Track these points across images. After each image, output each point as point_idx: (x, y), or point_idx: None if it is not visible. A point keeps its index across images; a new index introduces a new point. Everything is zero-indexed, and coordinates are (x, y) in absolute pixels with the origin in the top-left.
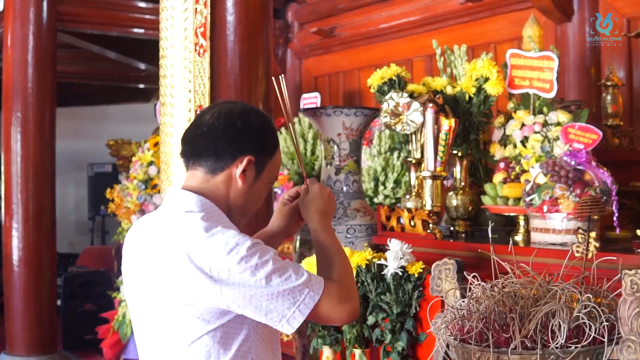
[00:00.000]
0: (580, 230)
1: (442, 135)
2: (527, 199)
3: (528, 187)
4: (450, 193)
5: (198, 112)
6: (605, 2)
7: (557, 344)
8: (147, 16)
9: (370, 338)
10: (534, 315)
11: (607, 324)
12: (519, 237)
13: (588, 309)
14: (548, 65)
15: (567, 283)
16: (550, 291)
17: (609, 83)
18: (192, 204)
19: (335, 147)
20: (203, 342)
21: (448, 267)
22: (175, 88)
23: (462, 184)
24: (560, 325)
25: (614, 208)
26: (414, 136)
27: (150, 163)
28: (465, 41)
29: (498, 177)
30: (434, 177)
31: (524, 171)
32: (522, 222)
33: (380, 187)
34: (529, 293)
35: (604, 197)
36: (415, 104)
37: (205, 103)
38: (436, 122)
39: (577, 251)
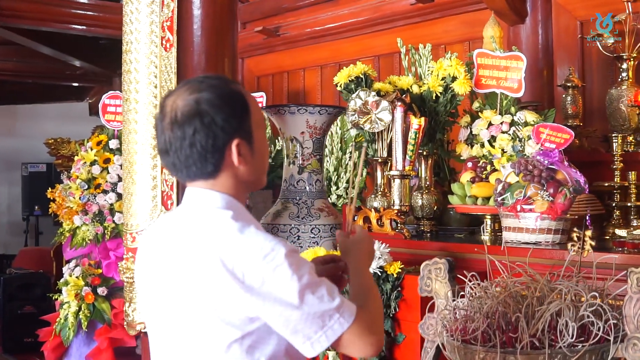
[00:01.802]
0: (575, 229)
1: (411, 134)
2: (499, 199)
3: (500, 187)
4: (416, 192)
5: (155, 125)
6: (559, 5)
7: (564, 342)
8: (88, 12)
9: None
10: (541, 314)
11: (614, 322)
12: (486, 237)
13: (594, 308)
14: (516, 65)
15: (571, 282)
16: (554, 290)
17: (569, 84)
18: (218, 201)
19: (298, 146)
20: (232, 351)
21: (439, 266)
22: (140, 83)
23: (428, 183)
24: (567, 324)
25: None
26: (380, 135)
27: (94, 162)
28: (414, 42)
29: (466, 177)
30: (402, 176)
31: (493, 170)
32: (489, 222)
33: (333, 187)
34: (532, 292)
35: (577, 197)
36: (384, 103)
37: None
38: (404, 120)
39: (573, 250)
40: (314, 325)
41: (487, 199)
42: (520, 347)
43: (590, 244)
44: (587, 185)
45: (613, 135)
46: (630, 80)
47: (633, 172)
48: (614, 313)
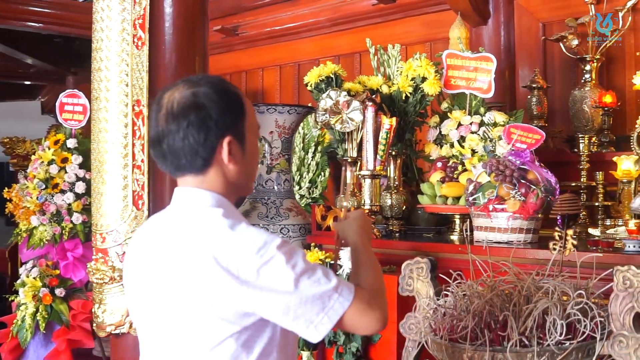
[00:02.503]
0: (556, 229)
1: (382, 134)
2: (471, 198)
3: (471, 187)
4: (385, 192)
5: (150, 116)
6: (521, 7)
7: (553, 340)
8: (45, 10)
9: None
10: (528, 313)
11: (601, 319)
12: (454, 236)
13: (580, 306)
14: (486, 66)
15: (558, 280)
16: (540, 289)
17: (534, 85)
18: (208, 199)
19: (267, 146)
20: (226, 345)
21: (420, 266)
22: (111, 82)
23: (396, 183)
24: (555, 322)
25: None
26: (350, 135)
27: (51, 162)
28: (375, 42)
29: (436, 177)
30: (373, 176)
31: (463, 170)
32: (457, 221)
33: (296, 187)
34: (519, 291)
35: (549, 196)
36: (355, 103)
37: (143, 98)
38: (375, 120)
39: (555, 249)
40: (314, 308)
41: (457, 198)
42: (510, 345)
43: (572, 243)
44: (558, 186)
45: (579, 135)
46: (594, 81)
47: (600, 172)
48: (599, 311)
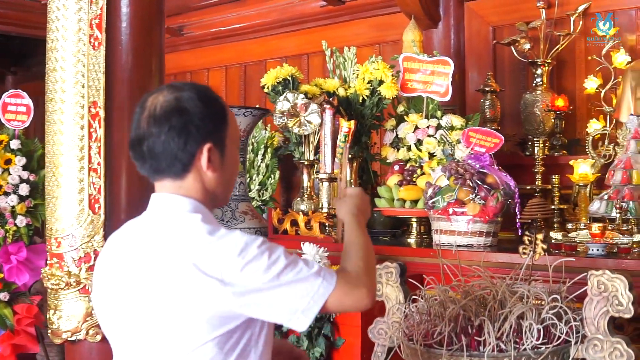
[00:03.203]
0: (527, 233)
1: (340, 137)
2: (430, 202)
3: (430, 190)
4: (336, 195)
5: (133, 118)
6: (472, 10)
7: (530, 344)
8: None
9: None
10: (504, 317)
11: (576, 324)
12: (412, 239)
13: (555, 310)
14: (444, 69)
15: (532, 285)
16: (515, 293)
17: (487, 89)
18: (186, 205)
19: None
20: (206, 348)
21: (390, 270)
22: (66, 83)
23: (353, 186)
24: (531, 327)
25: (517, 210)
26: (307, 138)
27: None
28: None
29: (393, 180)
30: (331, 179)
31: (421, 174)
32: (414, 225)
33: None
34: (494, 296)
35: (508, 200)
36: (313, 106)
37: (100, 99)
38: (333, 123)
39: (524, 253)
40: (299, 293)
41: (415, 201)
42: (489, 349)
43: (542, 248)
44: (517, 189)
45: (535, 139)
46: (545, 85)
47: (556, 175)
48: (574, 315)
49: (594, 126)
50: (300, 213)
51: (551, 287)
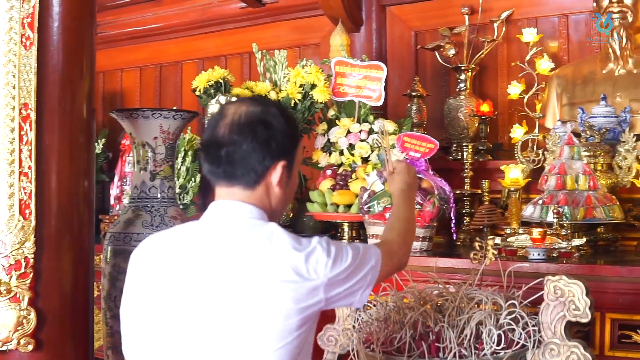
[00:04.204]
0: (477, 239)
1: None
2: (365, 207)
3: (365, 195)
4: None
5: (208, 124)
6: (394, 15)
7: (490, 350)
8: None
9: None
10: (463, 323)
11: (534, 328)
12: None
13: (513, 315)
14: (377, 74)
15: (489, 291)
16: (473, 299)
17: (414, 93)
18: (260, 215)
19: (150, 152)
20: (286, 348)
21: None
22: None
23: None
24: (490, 332)
25: (452, 215)
26: None
27: None
28: (243, 46)
29: (325, 184)
30: None
31: (355, 178)
32: (346, 229)
33: None
34: (452, 302)
35: (444, 204)
36: None
37: (31, 100)
38: None
39: (475, 259)
40: (364, 277)
41: (348, 206)
42: (450, 355)
43: (493, 253)
44: (452, 194)
45: (464, 144)
46: (468, 90)
47: (486, 180)
48: (530, 320)
49: (518, 131)
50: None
51: (506, 293)
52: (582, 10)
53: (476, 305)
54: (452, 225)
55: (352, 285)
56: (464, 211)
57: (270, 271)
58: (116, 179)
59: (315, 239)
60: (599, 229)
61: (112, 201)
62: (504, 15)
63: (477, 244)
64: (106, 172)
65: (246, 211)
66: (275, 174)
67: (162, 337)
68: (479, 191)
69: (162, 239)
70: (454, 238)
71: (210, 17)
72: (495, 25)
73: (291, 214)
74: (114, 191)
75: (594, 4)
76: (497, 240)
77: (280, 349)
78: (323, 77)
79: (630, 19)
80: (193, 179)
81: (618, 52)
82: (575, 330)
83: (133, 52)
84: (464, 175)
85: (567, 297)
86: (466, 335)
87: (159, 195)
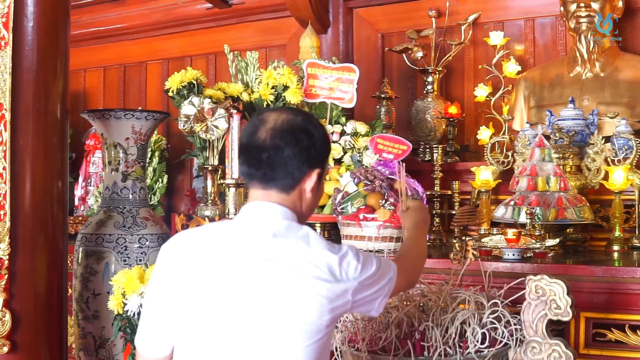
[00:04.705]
0: (456, 239)
1: None
2: (339, 208)
3: (339, 196)
4: (244, 201)
5: (246, 128)
6: (361, 17)
7: (474, 348)
8: None
9: None
10: (446, 323)
11: (517, 327)
12: None
13: (496, 314)
14: (349, 76)
15: (472, 291)
16: (456, 299)
17: (383, 95)
18: (295, 217)
19: (122, 152)
20: (310, 351)
21: None
22: None
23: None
24: (475, 331)
25: None
26: (211, 143)
27: None
28: (208, 47)
29: None
30: (238, 185)
31: (328, 179)
32: (318, 229)
33: None
34: (436, 302)
35: None
36: (221, 110)
37: (6, 101)
38: (240, 128)
39: (455, 259)
40: (382, 288)
41: (321, 207)
42: (436, 354)
43: (473, 253)
44: (425, 195)
45: (434, 146)
46: (436, 92)
47: (456, 181)
48: (511, 319)
49: (485, 133)
50: (206, 219)
51: (488, 292)
52: (548, 14)
53: (461, 305)
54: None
55: (374, 293)
56: (434, 212)
57: (309, 269)
58: (80, 179)
59: (344, 245)
60: (568, 230)
61: (76, 202)
62: (471, 18)
63: (456, 244)
64: (70, 172)
65: (282, 213)
66: (310, 181)
67: (198, 331)
68: (449, 192)
69: (197, 236)
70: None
71: (175, 18)
72: (463, 28)
73: None
74: (78, 192)
75: (562, 8)
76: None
77: (309, 346)
78: (296, 78)
79: (597, 23)
80: (160, 179)
81: (585, 56)
82: (551, 329)
83: (97, 52)
84: (434, 176)
85: (548, 296)
86: (451, 335)
87: (130, 196)
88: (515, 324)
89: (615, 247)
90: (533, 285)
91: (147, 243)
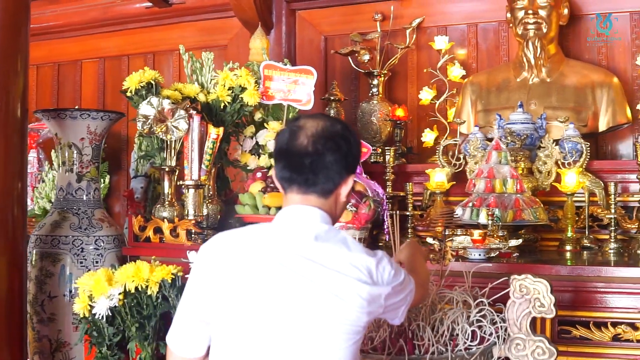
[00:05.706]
0: (435, 241)
1: (208, 144)
2: None
3: None
4: (203, 202)
5: (282, 133)
6: (303, 19)
7: (464, 345)
8: None
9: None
10: (435, 322)
11: (503, 325)
12: None
13: (482, 313)
14: (307, 78)
15: (458, 291)
16: (444, 299)
17: (332, 97)
18: (330, 222)
19: (77, 153)
20: (350, 351)
21: None
22: None
23: (211, 192)
24: (464, 329)
25: (385, 217)
26: (169, 143)
27: None
28: (147, 46)
29: (256, 187)
30: (197, 186)
31: None
32: None
33: None
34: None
35: (378, 207)
36: (181, 111)
37: None
38: (200, 129)
39: (434, 260)
40: (405, 298)
41: (279, 208)
42: (430, 353)
43: (452, 254)
44: (385, 197)
45: (386, 148)
46: (381, 95)
47: (410, 183)
48: (495, 317)
49: (429, 135)
50: (165, 220)
51: (471, 292)
52: (490, 20)
53: (450, 305)
54: (385, 226)
55: (400, 300)
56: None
57: (350, 271)
58: None
59: (378, 250)
60: (521, 231)
61: None
62: (415, 22)
63: (435, 245)
64: None
65: (322, 216)
66: (346, 187)
67: (240, 332)
68: (402, 194)
69: (237, 238)
70: (387, 239)
71: (113, 16)
72: (407, 32)
73: (219, 216)
74: None
75: (508, 15)
76: (431, 240)
77: (351, 347)
78: (253, 80)
79: (544, 30)
80: (102, 180)
81: (532, 62)
82: None
83: (30, 50)
84: (386, 178)
85: (532, 294)
86: (442, 333)
87: (85, 197)
88: (497, 322)
89: (568, 247)
90: (517, 284)
91: (103, 245)
